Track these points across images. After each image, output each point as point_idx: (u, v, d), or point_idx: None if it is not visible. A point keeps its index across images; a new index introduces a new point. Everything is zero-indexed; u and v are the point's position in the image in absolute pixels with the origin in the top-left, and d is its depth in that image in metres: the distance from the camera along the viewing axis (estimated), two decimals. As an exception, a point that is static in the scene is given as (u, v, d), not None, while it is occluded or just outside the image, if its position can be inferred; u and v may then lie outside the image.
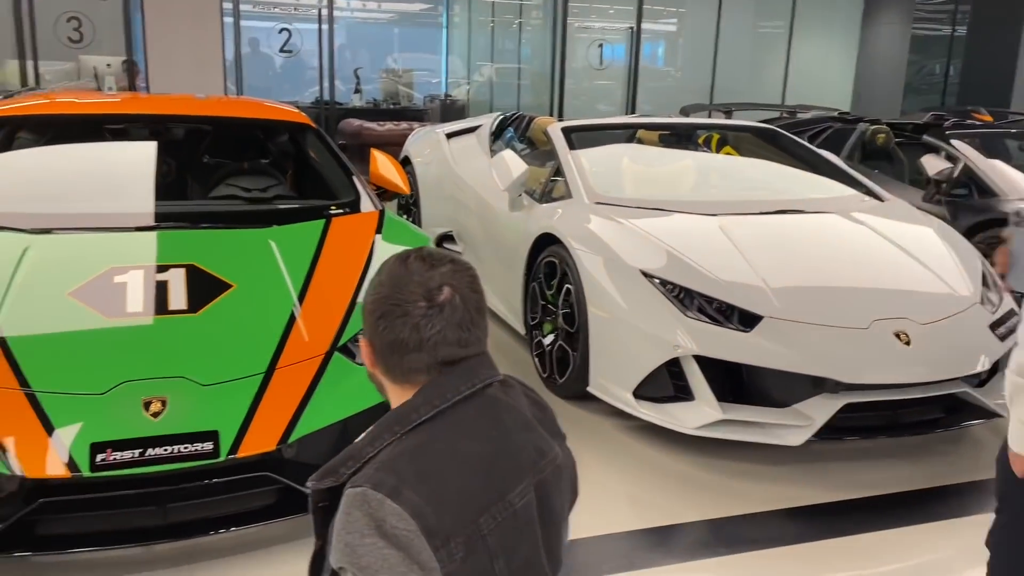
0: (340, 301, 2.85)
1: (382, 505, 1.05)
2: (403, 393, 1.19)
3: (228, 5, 8.87)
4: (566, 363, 3.76)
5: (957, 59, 11.87)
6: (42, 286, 2.67)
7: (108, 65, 9.53)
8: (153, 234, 3.05)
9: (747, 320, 3.27)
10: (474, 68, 13.71)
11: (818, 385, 3.20)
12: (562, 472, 1.26)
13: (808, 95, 11.50)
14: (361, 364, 2.68)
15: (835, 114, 7.12)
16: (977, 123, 6.60)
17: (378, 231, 3.35)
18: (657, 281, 3.40)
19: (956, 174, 5.27)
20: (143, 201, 3.30)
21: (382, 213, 3.52)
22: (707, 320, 3.28)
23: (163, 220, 3.17)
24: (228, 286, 2.79)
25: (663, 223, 3.78)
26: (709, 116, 8.06)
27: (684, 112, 7.91)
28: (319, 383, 2.57)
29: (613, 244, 3.62)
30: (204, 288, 2.75)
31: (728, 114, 7.55)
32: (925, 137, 5.77)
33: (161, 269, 2.80)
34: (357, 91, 11.66)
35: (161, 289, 2.70)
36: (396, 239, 3.36)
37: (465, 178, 5.24)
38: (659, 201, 4.02)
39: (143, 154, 3.65)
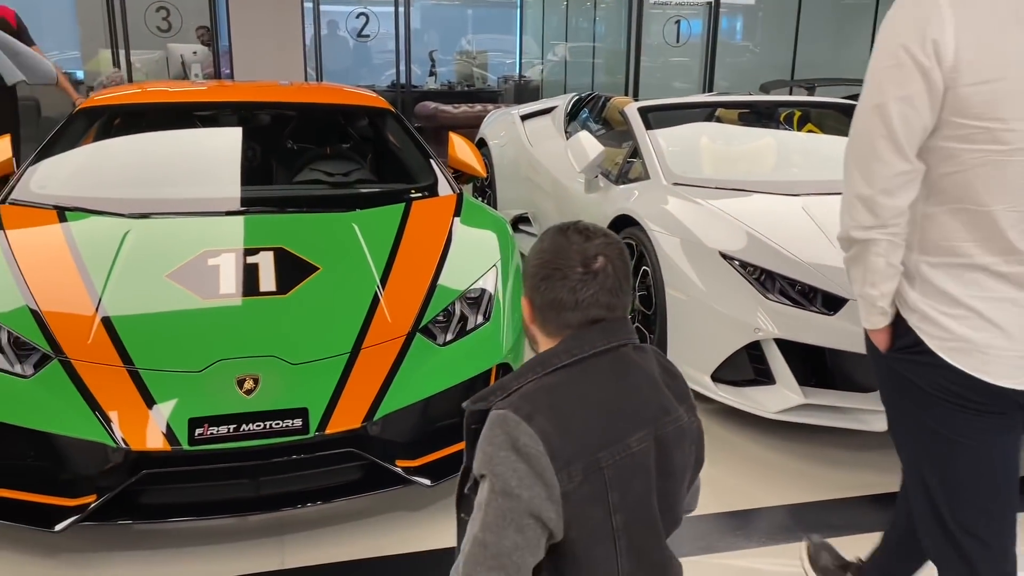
0: (421, 283, 2.91)
1: (518, 426, 1.24)
2: (553, 344, 1.38)
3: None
4: (643, 345, 3.75)
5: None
6: (141, 268, 2.80)
7: (194, 53, 9.88)
8: (242, 218, 3.17)
9: (831, 303, 3.19)
10: (548, 47, 13.64)
11: (905, 370, 3.12)
12: (684, 433, 1.39)
13: (895, 68, 11.08)
14: (441, 345, 2.74)
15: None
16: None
17: (456, 214, 3.40)
18: (737, 263, 3.36)
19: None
20: (233, 186, 3.43)
21: (460, 196, 3.56)
22: (789, 303, 3.22)
23: (251, 205, 3.28)
24: (315, 268, 2.88)
25: (743, 204, 3.73)
26: (790, 93, 7.84)
27: (764, 89, 7.72)
28: (402, 363, 2.64)
29: (691, 225, 3.58)
30: (292, 270, 2.85)
31: (811, 90, 7.33)
32: None
33: (251, 252, 2.90)
34: (432, 74, 11.75)
35: (252, 271, 2.81)
36: (474, 222, 3.41)
37: (540, 160, 5.25)
38: (739, 181, 3.96)
39: (231, 140, 3.78)
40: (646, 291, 3.71)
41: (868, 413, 3.11)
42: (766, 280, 3.30)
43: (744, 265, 3.34)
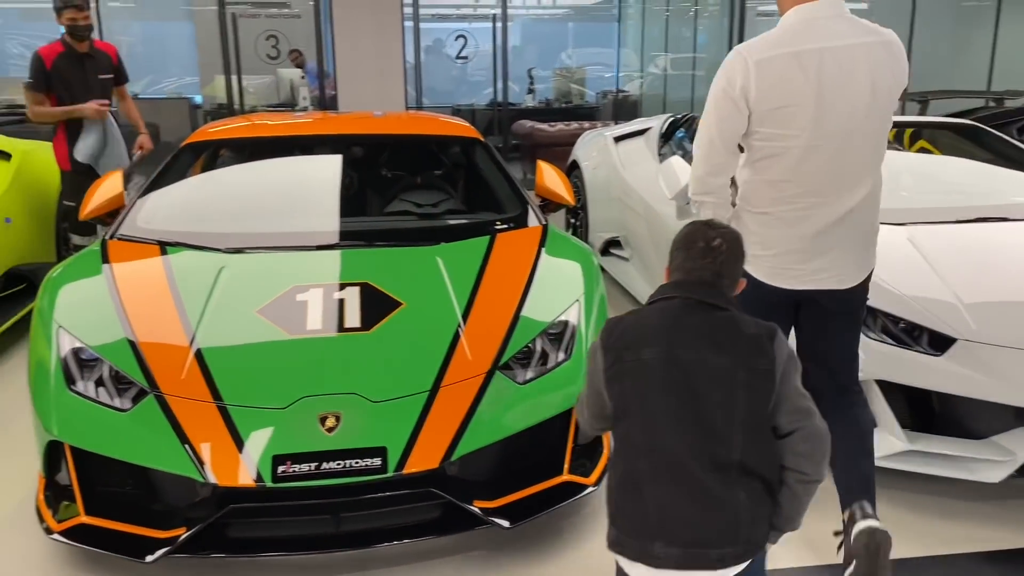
0: (502, 318, 2.89)
1: (601, 332, 1.82)
2: None
3: (408, 10, 9.24)
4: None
5: None
6: (234, 304, 2.90)
7: (302, 77, 10.30)
8: (333, 253, 3.24)
9: (938, 343, 2.99)
10: (647, 61, 13.49)
11: (1021, 416, 2.89)
12: (722, 381, 1.69)
13: (1019, 79, 10.37)
14: (521, 384, 2.71)
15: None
16: None
17: (541, 246, 3.37)
18: (834, 297, 3.19)
19: None
20: (325, 220, 3.51)
21: (545, 228, 3.54)
22: (891, 342, 3.04)
23: (341, 239, 3.35)
24: (398, 304, 2.91)
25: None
26: (903, 106, 7.45)
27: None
28: (481, 402, 2.63)
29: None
30: (377, 306, 2.89)
31: (924, 104, 6.95)
32: None
33: (338, 288, 2.96)
34: (530, 91, 11.82)
35: (338, 307, 2.86)
36: (559, 254, 3.38)
37: (632, 183, 5.17)
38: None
39: (327, 172, 3.88)
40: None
41: (979, 462, 2.90)
42: (867, 316, 3.12)
43: (842, 300, 3.17)
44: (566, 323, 2.94)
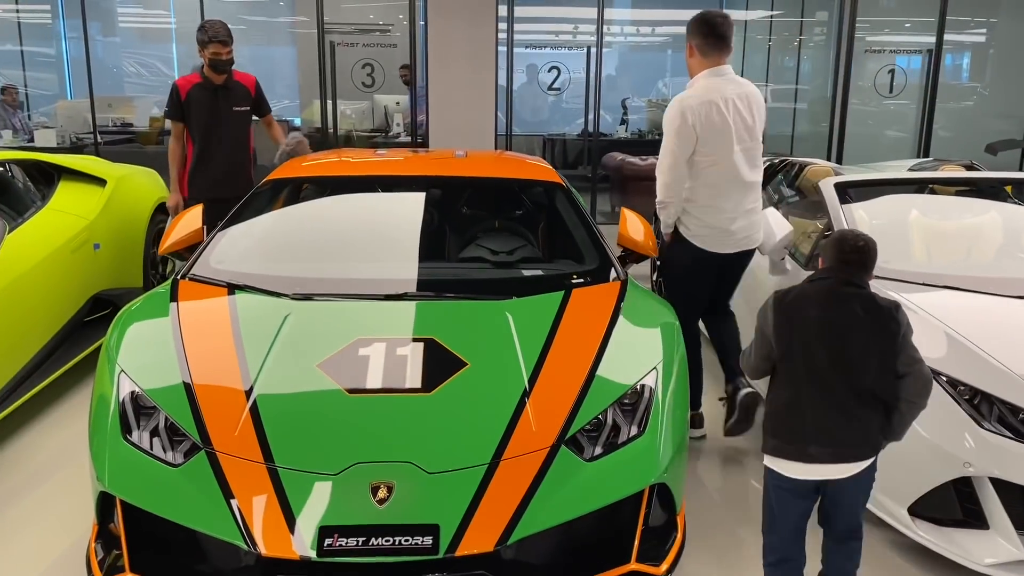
0: (572, 386, 2.71)
1: (772, 296, 2.47)
2: None
3: (502, 35, 9.22)
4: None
5: None
6: (295, 355, 2.81)
7: (397, 103, 10.40)
8: (401, 305, 3.12)
9: (1064, 440, 2.65)
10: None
11: None
12: (863, 336, 2.32)
13: None
14: (588, 460, 2.51)
15: None
16: None
17: (618, 306, 3.17)
18: (945, 379, 2.87)
19: None
20: (396, 268, 3.41)
21: (624, 284, 3.33)
22: (1009, 434, 2.71)
23: (411, 288, 3.23)
24: (463, 364, 2.76)
25: (956, 305, 3.21)
26: (1021, 157, 6.88)
27: (990, 150, 6.85)
28: (543, 479, 2.44)
29: (891, 330, 3.13)
30: (440, 365, 2.75)
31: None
32: None
33: (402, 343, 2.83)
34: (623, 122, 11.60)
35: (400, 365, 2.73)
36: (637, 314, 3.17)
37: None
38: (952, 277, 3.43)
39: (403, 217, 3.80)
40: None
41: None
42: (981, 404, 2.80)
43: (954, 383, 2.85)
44: (641, 393, 2.73)
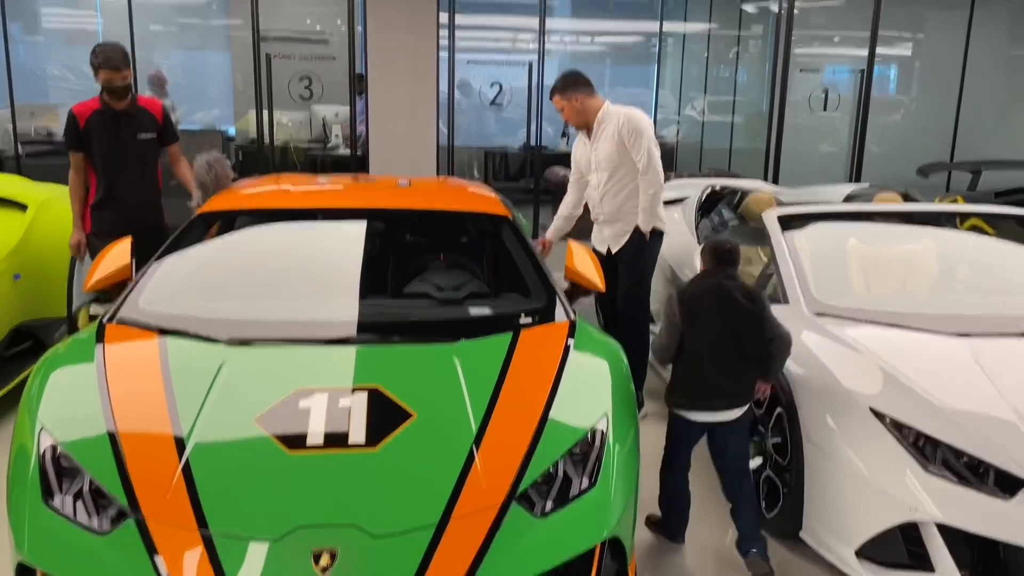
0: (522, 436, 2.63)
1: (675, 293, 3.22)
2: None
3: (443, 51, 9.13)
4: (776, 497, 3.32)
5: None
6: (231, 408, 2.67)
7: (336, 115, 10.20)
8: (343, 350, 2.98)
9: (1007, 484, 2.68)
10: (686, 101, 13.23)
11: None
12: (745, 314, 3.08)
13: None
14: (539, 516, 2.44)
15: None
16: None
17: (568, 344, 3.11)
18: (890, 422, 2.89)
19: None
20: (338, 308, 3.28)
21: (573, 324, 3.27)
22: (954, 479, 2.73)
23: (356, 331, 3.11)
24: (408, 415, 2.66)
25: (901, 345, 3.24)
26: (948, 178, 7.07)
27: (923, 172, 7.03)
28: (493, 539, 2.36)
29: (837, 370, 3.14)
30: (385, 417, 2.64)
31: (976, 174, 6.60)
32: None
33: (344, 393, 2.72)
34: (564, 135, 11.59)
35: (342, 417, 2.62)
36: (587, 354, 3.11)
37: (667, 258, 4.90)
38: (897, 314, 3.46)
39: (343, 252, 3.64)
40: (781, 437, 3.28)
41: (1053, 625, 2.57)
42: (926, 447, 2.82)
43: (899, 426, 2.88)
44: (592, 443, 2.67)
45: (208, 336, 3.00)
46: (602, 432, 2.71)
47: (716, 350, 3.07)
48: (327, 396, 2.70)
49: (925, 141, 10.54)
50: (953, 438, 2.78)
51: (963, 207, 4.75)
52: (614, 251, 4.53)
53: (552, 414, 2.73)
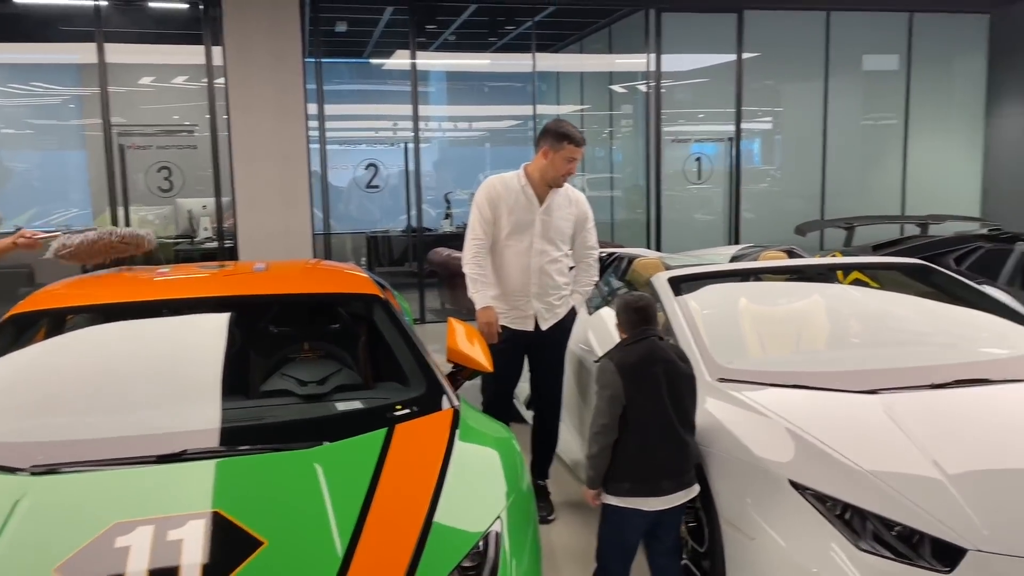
0: (402, 550, 2.19)
1: (611, 363, 2.85)
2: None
3: (315, 133, 8.80)
4: (695, 589, 2.96)
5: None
6: (27, 556, 2.11)
7: (203, 207, 9.61)
8: (174, 468, 2.47)
9: (945, 554, 2.42)
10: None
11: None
12: (684, 379, 2.90)
13: (932, 196, 10.47)
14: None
15: (982, 230, 6.14)
16: None
17: (452, 436, 2.70)
18: (811, 494, 2.61)
19: None
20: (168, 417, 2.77)
21: (456, 414, 2.86)
22: (888, 555, 2.45)
23: (190, 443, 2.58)
24: (258, 544, 2.16)
25: (810, 408, 2.99)
26: (821, 236, 7.19)
27: (800, 231, 7.12)
28: None
29: (748, 440, 2.85)
30: (227, 548, 2.14)
31: (850, 230, 6.71)
32: None
33: (176, 523, 2.20)
34: (447, 216, 11.38)
35: (171, 554, 2.10)
36: (474, 446, 2.72)
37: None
38: (803, 373, 3.23)
39: (185, 351, 3.14)
40: (696, 522, 2.95)
41: None
42: (854, 519, 2.54)
43: (822, 498, 2.59)
44: (484, 554, 2.26)
45: (3, 465, 2.43)
46: (496, 535, 2.30)
47: (663, 423, 2.78)
48: (153, 528, 2.18)
49: (795, 205, 10.88)
50: (882, 507, 2.51)
51: (851, 260, 4.71)
52: (543, 328, 4.03)
53: (437, 518, 2.31)
